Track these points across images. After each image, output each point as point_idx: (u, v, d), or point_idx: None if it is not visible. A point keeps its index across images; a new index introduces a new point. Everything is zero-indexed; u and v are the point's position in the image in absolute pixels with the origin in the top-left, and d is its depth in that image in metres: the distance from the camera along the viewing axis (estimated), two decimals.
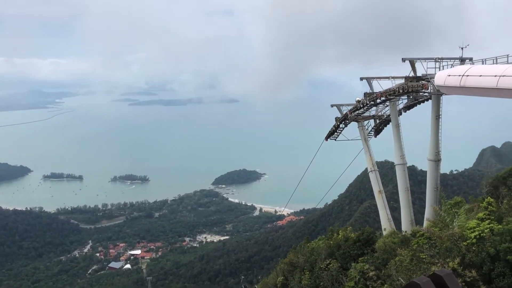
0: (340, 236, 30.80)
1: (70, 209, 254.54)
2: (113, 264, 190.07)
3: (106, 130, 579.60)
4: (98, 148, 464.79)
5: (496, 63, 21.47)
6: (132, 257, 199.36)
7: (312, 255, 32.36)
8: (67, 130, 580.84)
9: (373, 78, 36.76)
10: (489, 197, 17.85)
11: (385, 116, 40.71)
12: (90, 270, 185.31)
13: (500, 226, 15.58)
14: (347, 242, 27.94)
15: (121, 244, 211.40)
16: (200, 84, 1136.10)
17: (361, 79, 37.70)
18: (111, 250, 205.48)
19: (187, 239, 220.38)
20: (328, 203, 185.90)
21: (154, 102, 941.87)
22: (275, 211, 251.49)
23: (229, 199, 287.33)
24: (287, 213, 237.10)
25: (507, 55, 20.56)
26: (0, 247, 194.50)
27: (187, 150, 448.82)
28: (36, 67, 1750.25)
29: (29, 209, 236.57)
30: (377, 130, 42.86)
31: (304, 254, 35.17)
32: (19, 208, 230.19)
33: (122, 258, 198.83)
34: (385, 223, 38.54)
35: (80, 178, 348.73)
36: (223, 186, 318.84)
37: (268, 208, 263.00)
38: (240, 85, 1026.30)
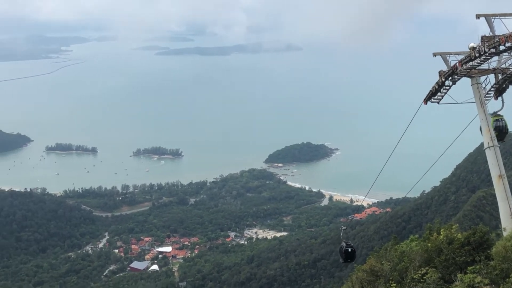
0: (441, 236, 30.30)
1: (81, 191, 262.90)
2: (135, 264, 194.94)
3: (126, 88, 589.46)
4: (117, 112, 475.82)
5: None
6: (160, 256, 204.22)
7: (401, 262, 32.11)
8: (77, 87, 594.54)
9: (496, 15, 35.11)
10: None
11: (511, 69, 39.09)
12: (106, 271, 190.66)
13: None
14: (451, 245, 27.46)
15: (146, 239, 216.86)
16: (252, 26, 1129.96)
17: (478, 16, 36.17)
18: (133, 246, 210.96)
19: (231, 234, 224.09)
20: (426, 191, 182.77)
21: (189, 51, 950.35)
22: (351, 201, 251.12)
23: (288, 182, 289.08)
24: (368, 204, 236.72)
25: None
26: None
27: (233, 116, 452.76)
28: (34, 4, 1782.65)
29: (29, 190, 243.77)
30: (499, 90, 41.15)
31: (391, 260, 34.96)
32: (17, 189, 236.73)
33: (147, 256, 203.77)
34: (507, 220, 37.47)
35: (93, 151, 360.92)
36: (280, 165, 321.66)
37: (341, 196, 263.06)
38: (309, 28, 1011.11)
